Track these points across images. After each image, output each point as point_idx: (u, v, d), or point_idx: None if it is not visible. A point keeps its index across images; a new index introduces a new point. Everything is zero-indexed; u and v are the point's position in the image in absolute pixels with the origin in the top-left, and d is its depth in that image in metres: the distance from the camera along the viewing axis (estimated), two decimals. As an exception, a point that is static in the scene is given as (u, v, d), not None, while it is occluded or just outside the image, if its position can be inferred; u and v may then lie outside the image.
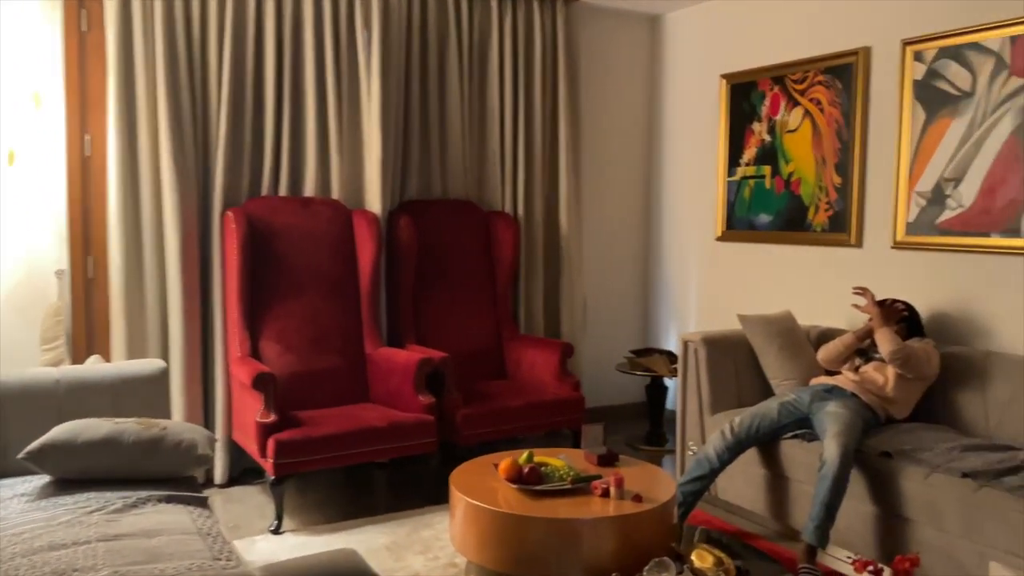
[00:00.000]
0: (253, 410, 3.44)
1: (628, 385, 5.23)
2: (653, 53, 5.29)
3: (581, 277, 4.91)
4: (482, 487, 2.78)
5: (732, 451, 3.31)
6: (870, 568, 2.42)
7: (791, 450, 3.30)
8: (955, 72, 3.51)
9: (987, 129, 3.39)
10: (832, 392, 3.35)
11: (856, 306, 3.46)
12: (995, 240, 3.38)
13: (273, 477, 3.35)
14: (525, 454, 2.89)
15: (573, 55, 4.82)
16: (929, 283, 3.65)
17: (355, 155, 4.23)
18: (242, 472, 4.01)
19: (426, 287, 4.36)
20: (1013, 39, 3.29)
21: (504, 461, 2.83)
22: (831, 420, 3.12)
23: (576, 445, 4.16)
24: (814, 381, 3.54)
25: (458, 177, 4.57)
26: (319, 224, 4.05)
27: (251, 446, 3.50)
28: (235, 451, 3.92)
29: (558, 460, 2.93)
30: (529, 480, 2.73)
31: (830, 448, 2.98)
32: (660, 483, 2.88)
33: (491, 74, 4.61)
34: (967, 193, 3.48)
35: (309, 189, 4.13)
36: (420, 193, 4.51)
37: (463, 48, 4.52)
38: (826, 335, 3.93)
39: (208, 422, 3.97)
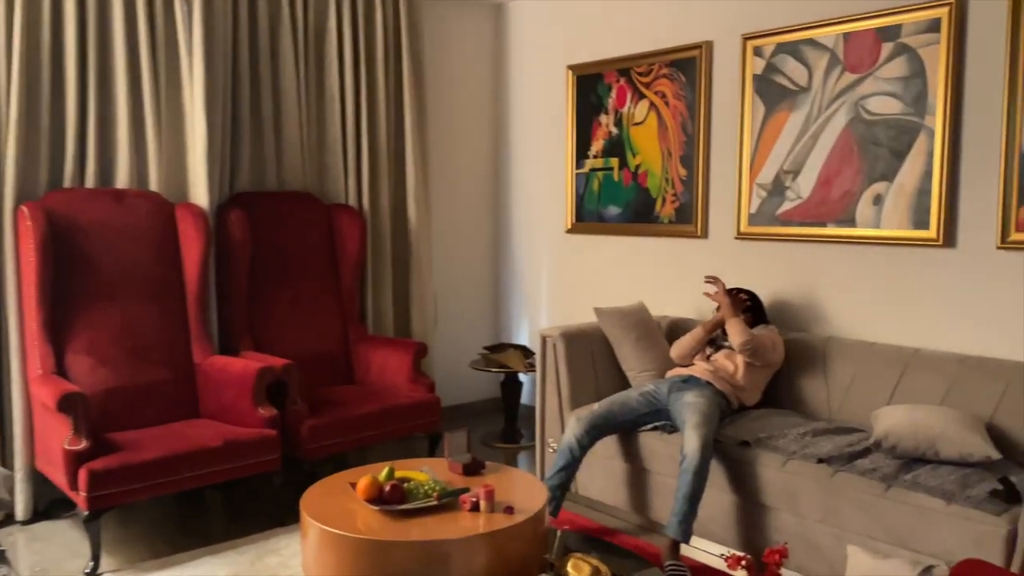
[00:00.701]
0: (60, 436, 2.97)
1: (482, 381, 5.09)
2: (498, 42, 5.16)
3: (431, 272, 4.71)
4: (339, 511, 2.52)
5: (591, 434, 3.25)
6: (743, 563, 2.41)
7: (651, 442, 3.28)
8: (792, 67, 3.62)
9: (823, 123, 3.52)
10: (689, 382, 3.36)
11: (707, 294, 3.49)
12: (831, 230, 3.52)
13: (87, 512, 2.90)
14: (385, 469, 2.66)
15: (416, 39, 4.59)
16: (771, 272, 3.77)
17: (176, 142, 3.79)
18: (49, 504, 3.49)
19: (262, 288, 3.99)
20: (846, 36, 3.43)
21: (362, 480, 2.59)
22: (690, 411, 3.12)
23: (434, 451, 3.96)
24: (670, 373, 3.56)
25: (296, 167, 4.23)
26: (136, 220, 3.58)
27: (59, 477, 3.02)
28: (40, 481, 3.39)
29: (421, 473, 2.72)
30: (392, 499, 2.50)
31: (690, 441, 2.97)
32: (530, 490, 2.75)
33: (329, 57, 4.30)
34: (805, 185, 3.60)
35: (122, 180, 3.65)
36: (253, 185, 4.12)
37: (298, 28, 4.18)
38: (677, 325, 3.97)
39: (4, 452, 3.42)
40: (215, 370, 3.54)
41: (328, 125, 4.34)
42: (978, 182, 3.08)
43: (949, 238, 3.17)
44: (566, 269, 4.81)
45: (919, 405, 2.93)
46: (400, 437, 3.96)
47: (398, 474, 2.70)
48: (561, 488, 3.24)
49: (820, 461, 2.82)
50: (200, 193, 3.78)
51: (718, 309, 3.50)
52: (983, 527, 2.38)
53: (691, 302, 4.11)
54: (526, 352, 4.69)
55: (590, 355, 3.75)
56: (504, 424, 4.72)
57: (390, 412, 3.82)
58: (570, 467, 3.25)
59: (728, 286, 3.62)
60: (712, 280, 3.49)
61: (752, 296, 3.56)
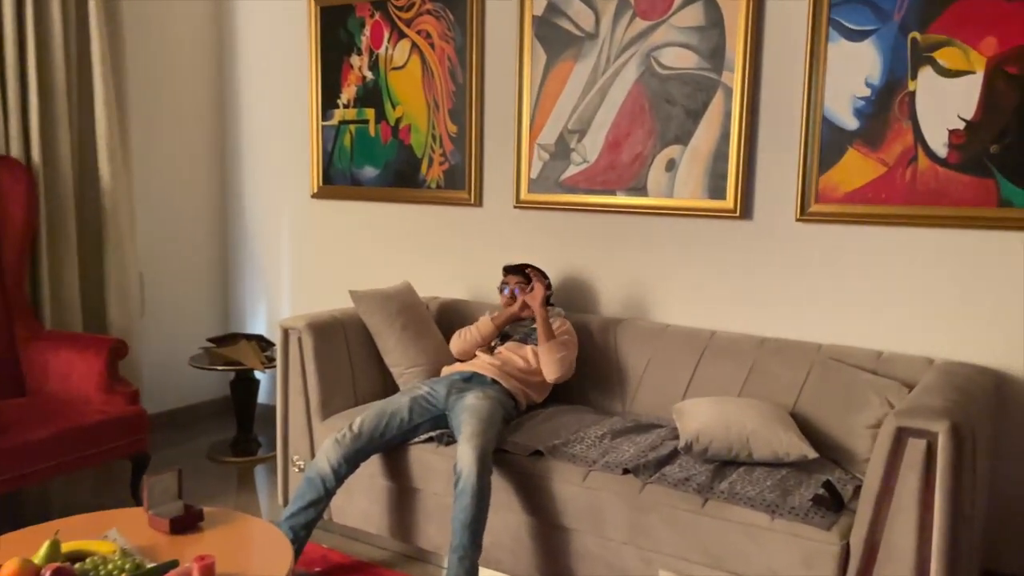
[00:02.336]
0: None
1: (208, 380, 4.17)
2: (221, -40, 4.18)
3: (134, 246, 3.70)
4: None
5: (352, 461, 2.59)
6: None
7: (424, 456, 2.68)
8: (578, 9, 3.14)
9: (612, 76, 3.09)
10: (471, 381, 2.80)
11: (525, 302, 2.95)
12: (621, 199, 3.12)
13: None
14: (45, 545, 1.78)
15: (106, -58, 3.51)
16: (555, 246, 3.31)
17: None
18: None
19: None
20: (638, -23, 3.01)
21: (7, 565, 1.70)
22: (467, 417, 2.56)
23: (138, 483, 3.06)
24: (448, 369, 2.96)
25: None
26: None
27: None
28: None
29: (105, 543, 1.88)
30: (50, 598, 1.64)
31: (464, 455, 2.41)
32: (270, 549, 2.01)
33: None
34: (592, 147, 3.16)
35: None
36: None
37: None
38: (448, 309, 3.39)
39: None
40: None
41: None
42: (777, 148, 2.81)
43: (746, 209, 2.88)
44: (313, 242, 4.03)
45: (723, 398, 2.60)
46: (93, 465, 2.99)
47: (68, 547, 1.84)
48: (306, 528, 2.55)
49: (626, 471, 2.39)
50: None
51: (512, 298, 2.99)
52: (813, 544, 2.06)
53: (464, 281, 3.55)
54: (263, 343, 3.86)
55: (345, 350, 3.04)
56: (237, 431, 3.87)
57: (75, 434, 2.85)
58: (320, 503, 2.56)
59: (516, 263, 3.10)
60: (523, 284, 2.97)
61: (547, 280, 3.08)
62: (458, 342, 3.02)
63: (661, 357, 2.91)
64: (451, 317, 3.35)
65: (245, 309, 4.30)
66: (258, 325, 4.25)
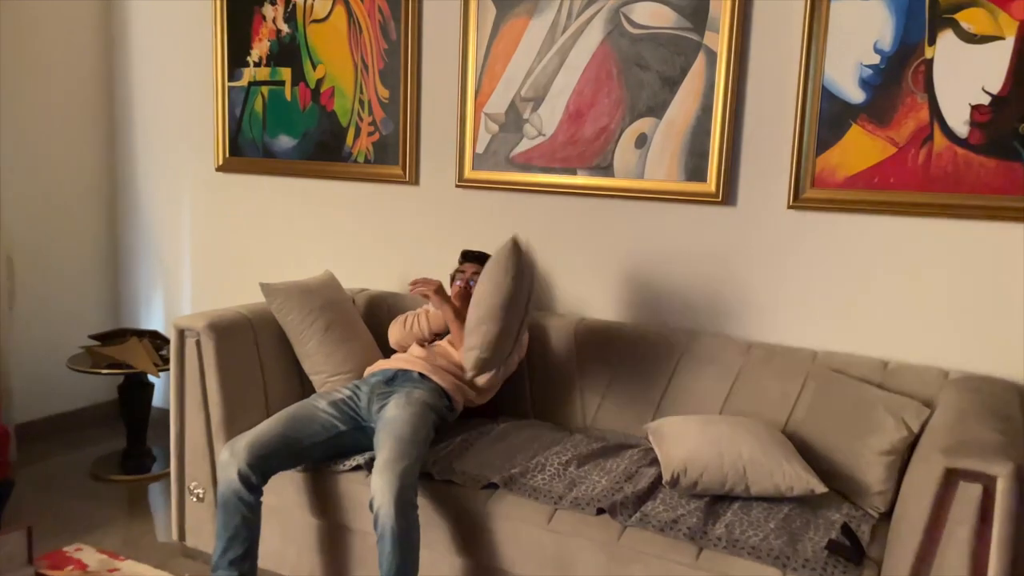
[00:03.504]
0: None
1: (92, 381, 3.57)
2: None
3: (-4, 226, 3.07)
4: None
5: (260, 468, 2.12)
6: None
7: (353, 488, 2.21)
8: (535, -44, 2.68)
9: (574, 34, 2.64)
10: (395, 381, 2.35)
11: (423, 295, 2.47)
12: (583, 179, 2.68)
13: None
14: None
15: None
16: (503, 232, 2.84)
17: None
18: None
19: None
20: (608, -83, 2.56)
21: None
22: (384, 437, 2.11)
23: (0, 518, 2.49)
24: (371, 369, 2.49)
25: None
26: None
27: None
28: None
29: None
30: None
31: (378, 490, 1.96)
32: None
33: None
34: (549, 118, 2.72)
35: None
36: None
37: None
38: (377, 303, 2.91)
39: None
40: None
41: None
42: (768, 123, 2.42)
43: (730, 194, 2.49)
44: (218, 223, 3.46)
45: (709, 418, 2.21)
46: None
47: None
48: (249, 559, 2.14)
49: (600, 511, 1.97)
50: None
51: (467, 290, 2.54)
52: (834, 607, 1.70)
53: (397, 271, 3.06)
54: (159, 341, 3.29)
55: (255, 354, 2.53)
56: (127, 444, 3.29)
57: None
58: (249, 523, 2.12)
59: (476, 249, 2.66)
60: (421, 283, 2.47)
61: (480, 257, 2.63)
62: (398, 330, 2.60)
63: (629, 364, 2.51)
64: (382, 313, 2.87)
65: (138, 300, 3.70)
66: (154, 319, 3.66)
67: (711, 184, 2.49)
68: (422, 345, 2.52)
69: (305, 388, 2.63)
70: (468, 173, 2.87)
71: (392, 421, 2.15)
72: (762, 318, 2.47)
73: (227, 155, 3.36)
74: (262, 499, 2.14)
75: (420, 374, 2.37)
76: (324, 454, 2.23)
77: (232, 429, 2.43)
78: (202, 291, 3.52)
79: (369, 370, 2.50)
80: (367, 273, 3.11)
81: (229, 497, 2.10)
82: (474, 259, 2.60)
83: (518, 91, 2.76)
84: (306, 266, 3.12)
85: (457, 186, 2.90)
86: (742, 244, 2.48)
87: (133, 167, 3.62)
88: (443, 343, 2.51)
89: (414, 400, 2.24)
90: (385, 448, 2.04)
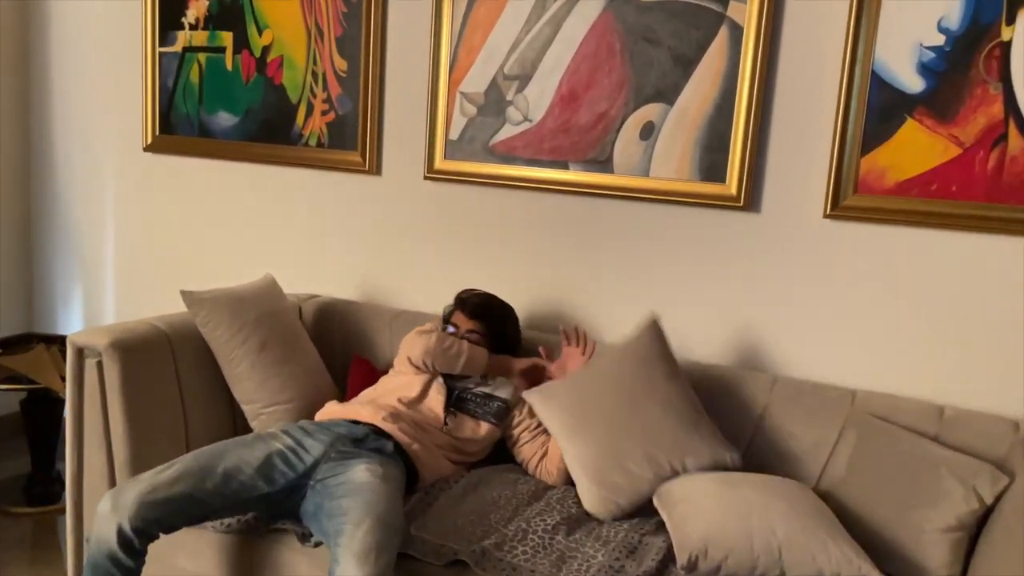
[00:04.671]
0: None
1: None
2: None
3: None
4: None
5: (151, 520, 1.63)
6: None
7: (288, 555, 1.77)
8: (525, -96, 2.23)
9: (568, 2, 2.21)
10: (364, 443, 1.87)
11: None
12: (575, 175, 2.25)
13: None
14: None
15: None
16: (478, 235, 2.42)
17: None
18: None
19: None
20: None
21: None
22: (359, 504, 1.64)
23: None
24: (331, 413, 2.01)
25: None
26: None
27: None
28: None
29: None
30: None
31: None
32: None
33: None
34: (537, 101, 2.28)
35: None
36: None
37: None
38: (330, 313, 2.47)
39: None
40: None
41: None
42: (803, 114, 2.01)
43: (753, 198, 2.07)
44: (146, 212, 2.97)
45: (729, 477, 1.80)
46: None
47: None
48: None
49: (600, 601, 1.56)
50: None
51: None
52: None
53: (353, 275, 2.62)
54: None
55: (173, 379, 2.08)
56: (31, 469, 2.81)
57: None
58: None
59: (479, 294, 2.20)
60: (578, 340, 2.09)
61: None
62: (433, 343, 2.02)
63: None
64: (333, 325, 2.43)
65: (54, 301, 3.20)
66: (72, 322, 3.16)
67: (731, 185, 2.07)
68: (402, 404, 2.00)
69: (237, 420, 2.18)
70: (439, 163, 2.43)
71: (369, 491, 1.66)
72: (790, 348, 2.07)
73: (157, 132, 2.88)
74: (143, 566, 1.66)
75: (396, 445, 1.88)
76: (234, 515, 1.78)
77: (140, 469, 1.95)
78: (128, 291, 3.03)
79: (330, 415, 2.00)
80: (319, 276, 2.66)
81: (100, 561, 1.62)
82: (481, 315, 2.12)
83: (501, 67, 2.31)
84: (246, 264, 2.66)
85: (426, 178, 2.45)
86: (767, 259, 2.08)
87: (50, 145, 3.11)
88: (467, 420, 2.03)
89: (389, 475, 1.75)
90: (363, 528, 1.56)
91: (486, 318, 2.13)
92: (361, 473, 1.72)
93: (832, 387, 1.97)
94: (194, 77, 2.79)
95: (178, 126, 2.84)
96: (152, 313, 2.22)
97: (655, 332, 2.00)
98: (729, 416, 1.98)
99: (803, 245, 2.03)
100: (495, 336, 2.13)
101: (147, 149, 2.90)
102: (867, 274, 1.98)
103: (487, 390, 2.07)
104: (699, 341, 2.11)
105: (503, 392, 2.07)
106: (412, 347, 2.03)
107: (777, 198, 2.05)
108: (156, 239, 2.95)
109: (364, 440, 1.85)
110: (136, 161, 2.94)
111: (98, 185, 3.04)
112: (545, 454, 2.01)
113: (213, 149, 2.79)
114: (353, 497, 1.65)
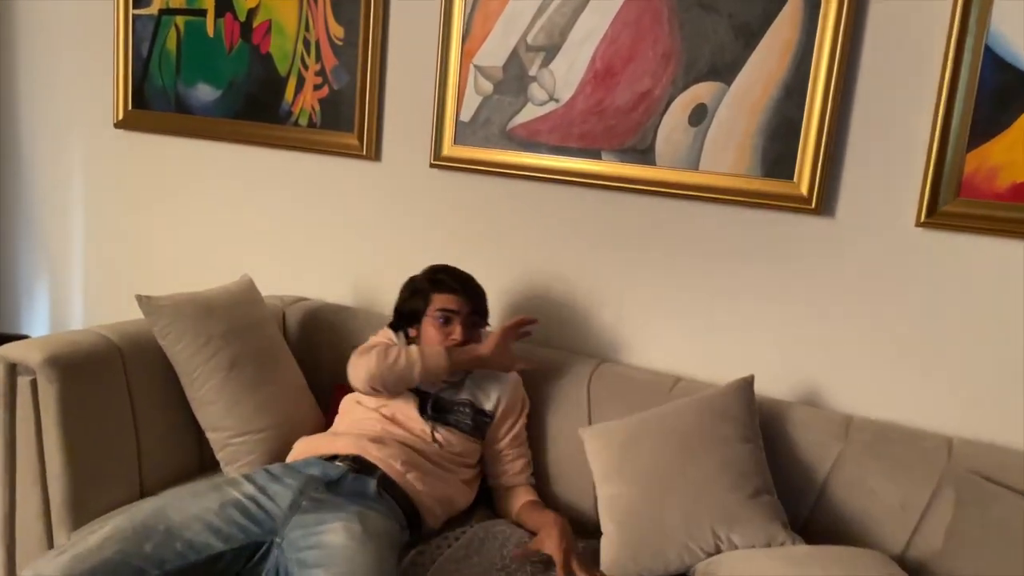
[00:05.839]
0: None
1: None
2: None
3: None
4: None
5: None
6: None
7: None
8: None
9: (608, -42, 1.84)
10: (341, 485, 1.53)
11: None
12: (610, 166, 1.89)
13: None
14: None
15: None
16: (493, 234, 2.06)
17: None
18: None
19: None
20: None
21: None
22: None
23: None
24: (305, 448, 1.67)
25: None
26: None
27: None
28: None
29: None
30: None
31: None
32: None
33: None
34: (566, 77, 1.92)
35: None
36: None
37: None
38: (316, 320, 2.12)
39: None
40: None
41: None
42: (893, 98, 1.64)
43: (827, 200, 1.71)
44: (117, 197, 2.63)
45: (790, 552, 1.45)
46: None
47: None
48: None
49: None
50: None
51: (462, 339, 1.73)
52: None
53: (346, 276, 2.27)
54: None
55: (126, 401, 1.74)
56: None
57: None
58: None
59: (464, 274, 1.80)
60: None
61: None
62: (373, 364, 1.65)
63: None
64: (321, 335, 2.08)
65: (17, 296, 2.86)
66: (37, 320, 2.83)
67: (801, 184, 1.71)
68: (393, 423, 1.68)
69: (205, 452, 1.84)
70: (448, 149, 2.07)
71: (345, 560, 1.32)
72: (870, 384, 1.71)
73: (130, 106, 2.53)
74: None
75: (379, 487, 1.54)
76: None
77: (81, 512, 1.65)
78: (97, 285, 2.70)
79: (302, 454, 1.66)
80: (307, 275, 2.32)
81: None
82: (469, 293, 1.76)
83: (523, 36, 1.95)
84: (229, 260, 2.33)
85: (432, 166, 2.10)
86: (841, 274, 1.72)
87: (15, 116, 2.77)
88: (454, 439, 1.69)
89: (372, 531, 1.41)
90: None
91: (474, 297, 1.76)
92: (336, 534, 1.38)
93: (923, 433, 1.62)
94: (171, 44, 2.43)
95: (153, 100, 2.49)
96: (127, 311, 1.86)
97: (745, 392, 1.64)
98: (792, 465, 1.63)
99: (888, 259, 1.67)
100: (482, 316, 1.78)
101: (118, 125, 2.55)
102: (969, 298, 1.62)
103: (467, 396, 1.73)
104: (753, 369, 1.76)
105: (492, 394, 1.74)
106: (354, 377, 1.69)
107: (857, 200, 1.69)
108: (128, 226, 2.61)
109: (341, 482, 1.52)
110: (106, 139, 2.59)
111: (65, 164, 2.70)
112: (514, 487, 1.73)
113: (191, 127, 2.44)
114: (327, 568, 1.32)
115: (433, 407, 1.70)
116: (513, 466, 1.75)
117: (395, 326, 1.82)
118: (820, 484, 1.61)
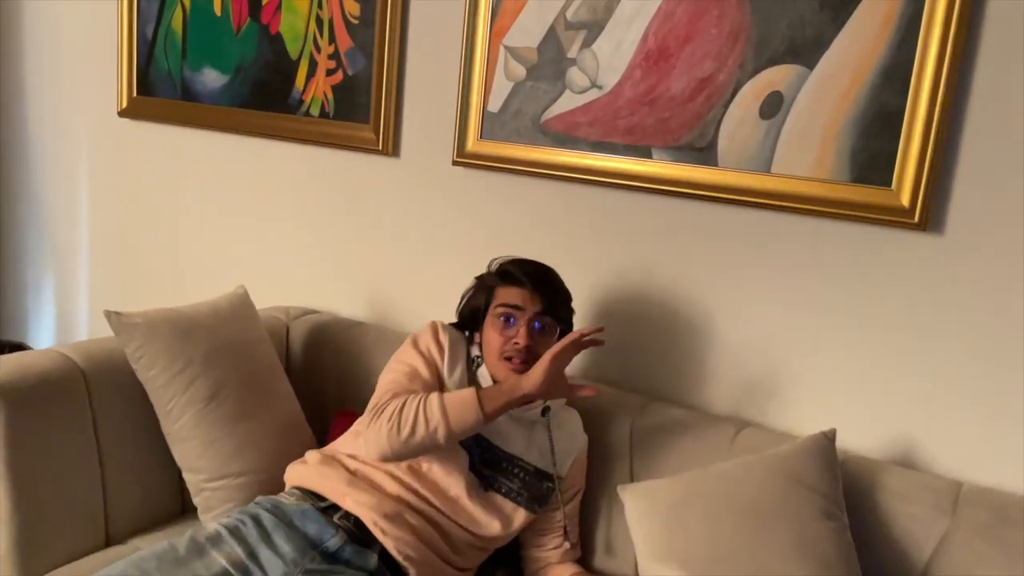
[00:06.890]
0: None
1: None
2: None
3: None
4: None
5: None
6: None
7: None
8: None
9: (664, -84, 1.53)
10: (341, 557, 1.27)
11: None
12: (661, 167, 1.58)
13: None
14: None
15: None
16: (524, 242, 1.76)
17: None
18: None
19: None
20: None
21: None
22: None
23: None
24: (309, 481, 1.39)
25: None
26: None
27: None
28: None
29: None
30: None
31: None
32: None
33: None
34: (611, 59, 1.61)
35: None
36: None
37: None
38: (323, 337, 1.87)
39: None
40: None
41: None
42: (1020, 89, 1.30)
43: (935, 213, 1.37)
44: (122, 191, 2.42)
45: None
46: None
47: None
48: None
49: None
50: None
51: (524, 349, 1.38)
52: None
53: (359, 287, 2.01)
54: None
55: (90, 434, 1.51)
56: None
57: None
58: None
59: (538, 264, 1.47)
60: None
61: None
62: (384, 440, 1.30)
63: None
64: (327, 356, 1.83)
65: (24, 298, 2.68)
66: (44, 319, 2.65)
67: (901, 192, 1.37)
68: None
69: (184, 492, 1.60)
70: (472, 144, 1.79)
71: None
72: (984, 441, 1.37)
73: (134, 93, 2.31)
74: None
75: (380, 561, 1.28)
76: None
77: (34, 561, 1.42)
78: (106, 283, 2.50)
79: (303, 482, 1.40)
80: (315, 285, 2.06)
81: None
82: (543, 287, 1.40)
83: (562, 12, 1.65)
84: (230, 264, 2.09)
85: (456, 163, 1.81)
86: (955, 305, 1.37)
87: (20, 110, 2.58)
88: (475, 506, 1.37)
89: None
90: None
91: (551, 293, 1.40)
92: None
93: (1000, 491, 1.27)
94: (176, 24, 2.20)
95: (158, 86, 2.27)
96: (133, 303, 1.61)
97: (826, 451, 1.32)
98: (884, 547, 1.30)
99: (1012, 287, 1.32)
100: (559, 318, 1.43)
101: (122, 114, 2.33)
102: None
103: (526, 453, 1.40)
104: (836, 420, 1.43)
105: (564, 448, 1.43)
106: (366, 452, 1.36)
107: (972, 214, 1.34)
108: (134, 221, 2.40)
109: (339, 553, 1.25)
110: (110, 129, 2.38)
111: (71, 156, 2.50)
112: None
113: (197, 116, 2.20)
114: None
115: (484, 460, 1.37)
116: (567, 539, 1.44)
117: (458, 327, 1.51)
118: (921, 568, 1.28)
